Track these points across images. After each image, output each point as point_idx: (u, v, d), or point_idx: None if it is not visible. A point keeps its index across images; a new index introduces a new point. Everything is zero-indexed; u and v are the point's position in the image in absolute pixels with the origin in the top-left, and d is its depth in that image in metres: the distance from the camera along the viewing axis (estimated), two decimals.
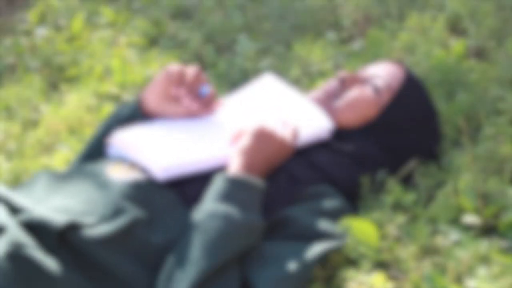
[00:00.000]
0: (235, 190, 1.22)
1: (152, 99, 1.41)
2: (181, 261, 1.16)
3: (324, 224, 1.26)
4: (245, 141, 1.29)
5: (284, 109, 1.41)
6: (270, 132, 1.30)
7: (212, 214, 1.19)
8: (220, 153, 1.32)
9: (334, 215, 1.30)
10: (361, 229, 1.26)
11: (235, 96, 1.48)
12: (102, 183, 1.28)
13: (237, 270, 1.19)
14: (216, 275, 1.16)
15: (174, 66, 1.39)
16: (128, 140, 1.35)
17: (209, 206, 1.21)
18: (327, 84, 1.47)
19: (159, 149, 1.32)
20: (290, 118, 1.38)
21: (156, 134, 1.36)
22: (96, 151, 1.45)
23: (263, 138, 1.29)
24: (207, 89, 1.41)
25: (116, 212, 1.22)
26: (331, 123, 1.35)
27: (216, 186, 1.23)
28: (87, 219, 1.21)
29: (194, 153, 1.32)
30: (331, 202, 1.31)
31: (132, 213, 1.22)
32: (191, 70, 1.40)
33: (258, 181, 1.25)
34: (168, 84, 1.38)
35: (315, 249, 1.21)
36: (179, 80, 1.39)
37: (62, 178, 1.32)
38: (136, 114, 1.42)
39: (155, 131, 1.37)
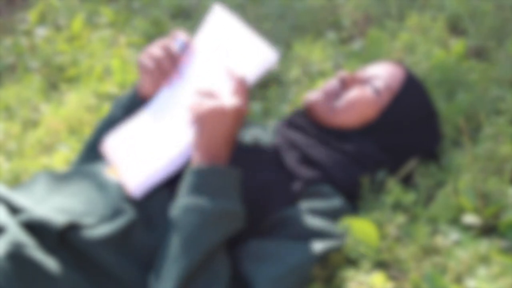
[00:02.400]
0: (202, 181, 1.20)
1: (146, 82, 1.41)
2: (164, 261, 1.17)
3: (324, 224, 1.26)
4: (196, 130, 1.24)
5: (230, 50, 1.34)
6: (218, 110, 1.22)
7: (185, 208, 1.19)
8: (185, 146, 1.29)
9: (334, 215, 1.30)
10: (361, 229, 1.27)
11: (198, 40, 1.43)
12: (101, 184, 1.28)
13: (225, 260, 1.19)
14: (203, 267, 1.15)
15: (154, 47, 1.40)
16: (109, 153, 1.36)
17: (181, 202, 1.20)
18: (327, 84, 1.47)
19: (131, 166, 1.30)
20: (236, 60, 1.31)
21: (130, 141, 1.36)
22: (95, 149, 1.45)
23: (212, 120, 1.22)
24: (181, 40, 1.40)
25: (115, 213, 1.23)
26: (276, 52, 1.28)
27: (185, 181, 1.22)
28: (86, 220, 1.21)
29: (163, 158, 1.29)
30: (331, 202, 1.31)
31: (131, 214, 1.22)
32: (166, 42, 1.39)
33: (222, 167, 1.22)
34: (155, 63, 1.38)
35: (315, 248, 1.21)
36: (163, 57, 1.38)
37: (61, 178, 1.32)
38: (135, 99, 1.44)
39: (130, 134, 1.37)
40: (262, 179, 1.31)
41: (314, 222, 1.26)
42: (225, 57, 1.32)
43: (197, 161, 1.22)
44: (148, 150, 1.31)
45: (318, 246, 1.22)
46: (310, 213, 1.28)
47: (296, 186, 1.33)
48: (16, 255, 1.14)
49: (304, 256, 1.20)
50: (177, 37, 1.40)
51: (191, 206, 1.18)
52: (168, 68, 1.37)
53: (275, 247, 1.23)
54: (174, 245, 1.16)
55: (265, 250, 1.22)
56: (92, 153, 1.46)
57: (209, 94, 1.25)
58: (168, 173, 1.28)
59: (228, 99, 1.23)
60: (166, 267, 1.15)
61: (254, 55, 1.29)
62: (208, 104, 1.22)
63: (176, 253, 1.15)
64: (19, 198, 1.25)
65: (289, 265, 1.18)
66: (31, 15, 2.71)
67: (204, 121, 1.22)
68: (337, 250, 1.26)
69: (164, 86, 1.39)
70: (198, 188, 1.19)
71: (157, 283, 1.15)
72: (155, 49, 1.38)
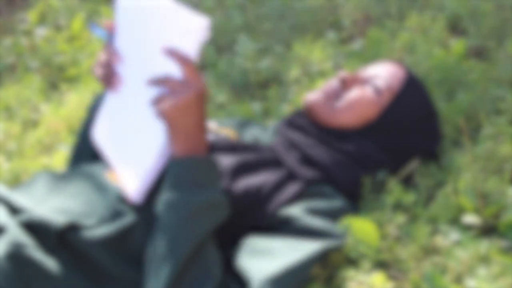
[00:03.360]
0: (181, 174, 1.18)
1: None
2: (153, 259, 1.16)
3: (324, 224, 1.26)
4: (165, 125, 1.21)
5: (159, 29, 1.25)
6: (178, 101, 1.18)
7: (167, 204, 1.17)
8: (163, 141, 1.24)
9: (335, 215, 1.30)
10: (361, 229, 1.27)
11: (120, 29, 1.35)
12: (100, 185, 1.28)
13: (215, 253, 1.18)
14: (193, 261, 1.14)
15: (101, 53, 1.35)
16: (102, 149, 1.34)
17: (163, 197, 1.18)
18: (327, 84, 1.47)
19: (123, 168, 1.28)
20: (170, 37, 1.21)
21: (113, 138, 1.33)
22: (85, 147, 1.45)
23: (176, 112, 1.18)
24: (97, 28, 1.37)
25: (115, 215, 1.23)
26: (205, 17, 1.18)
27: (166, 176, 1.20)
28: (86, 221, 1.21)
29: (148, 157, 1.25)
30: (332, 202, 1.31)
31: (130, 216, 1.22)
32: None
33: (199, 157, 1.20)
34: (104, 69, 1.33)
35: (315, 248, 1.21)
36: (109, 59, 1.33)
37: (61, 179, 1.32)
38: None
39: (111, 130, 1.34)
40: (262, 179, 1.31)
41: (314, 222, 1.26)
42: (158, 37, 1.23)
43: (174, 155, 1.20)
44: (132, 149, 1.29)
45: (318, 245, 1.22)
46: (310, 212, 1.28)
47: (297, 185, 1.33)
48: (16, 255, 1.14)
49: (304, 255, 1.20)
50: (92, 27, 1.35)
51: (174, 200, 1.17)
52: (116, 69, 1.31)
53: (275, 245, 1.22)
54: (161, 242, 1.15)
55: (264, 247, 1.22)
56: (85, 146, 1.46)
57: (163, 82, 1.19)
58: (157, 171, 1.25)
59: (185, 87, 1.18)
60: (156, 265, 1.14)
61: (186, 27, 1.20)
62: (169, 100, 1.18)
63: (164, 250, 1.14)
64: (19, 198, 1.25)
65: (288, 263, 1.18)
66: (31, 15, 2.71)
67: (170, 117, 1.18)
68: (337, 250, 1.26)
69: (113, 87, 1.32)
70: (178, 182, 1.18)
71: (149, 282, 1.15)
72: (101, 55, 1.34)
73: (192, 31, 1.18)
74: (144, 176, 1.23)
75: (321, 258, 1.23)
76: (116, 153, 1.32)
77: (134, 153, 1.27)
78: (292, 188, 1.32)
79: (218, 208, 1.18)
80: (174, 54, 1.17)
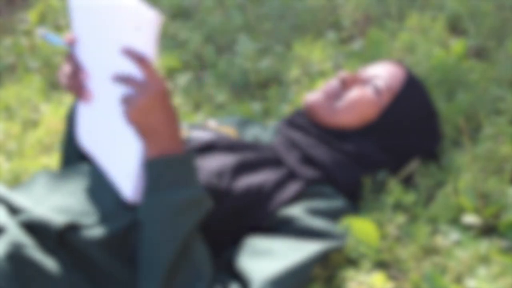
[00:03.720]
0: (158, 175, 1.17)
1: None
2: (142, 263, 1.15)
3: (325, 225, 1.26)
4: (134, 130, 1.18)
5: (112, 28, 1.21)
6: (137, 113, 1.15)
7: (149, 207, 1.16)
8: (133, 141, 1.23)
9: (335, 216, 1.30)
10: (361, 229, 1.27)
11: (75, 30, 1.32)
12: (101, 184, 1.28)
13: (205, 252, 1.17)
14: (182, 260, 1.14)
15: (64, 63, 1.32)
16: (90, 152, 1.33)
17: (143, 201, 1.17)
18: (328, 84, 1.47)
19: (113, 170, 1.27)
20: (123, 36, 1.17)
21: (97, 138, 1.32)
22: (71, 155, 1.45)
23: (138, 122, 1.16)
24: (47, 36, 1.35)
25: (115, 213, 1.22)
26: (156, 13, 1.13)
27: (145, 179, 1.19)
28: (86, 220, 1.21)
29: (132, 157, 1.23)
30: (332, 203, 1.31)
31: (130, 215, 1.22)
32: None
33: (174, 155, 1.18)
34: (68, 79, 1.30)
35: (315, 248, 1.21)
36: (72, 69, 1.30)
37: (61, 178, 1.32)
38: None
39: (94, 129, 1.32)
40: (262, 177, 1.31)
41: (315, 222, 1.26)
42: (114, 37, 1.19)
43: (148, 157, 1.18)
44: (115, 152, 1.27)
45: (318, 246, 1.22)
46: (311, 213, 1.28)
47: (297, 184, 1.32)
48: (16, 255, 1.14)
49: (304, 256, 1.20)
50: (44, 36, 1.31)
51: (153, 203, 1.16)
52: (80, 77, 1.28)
53: (275, 245, 1.22)
54: (147, 246, 1.15)
55: (264, 247, 1.22)
56: (71, 153, 1.45)
57: (126, 83, 1.16)
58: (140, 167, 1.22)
59: (145, 88, 1.15)
60: (145, 269, 1.14)
61: (137, 23, 1.15)
62: (131, 103, 1.15)
63: (151, 253, 1.14)
64: (19, 198, 1.25)
65: (288, 264, 1.18)
66: (31, 15, 2.71)
67: (134, 120, 1.16)
68: (337, 250, 1.26)
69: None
70: (155, 184, 1.17)
71: (141, 285, 1.15)
72: (65, 65, 1.31)
73: (143, 27, 1.14)
74: (133, 177, 1.21)
75: (322, 259, 1.23)
76: (103, 157, 1.31)
77: (118, 156, 1.26)
78: (292, 187, 1.32)
79: (199, 204, 1.17)
80: (131, 54, 1.14)
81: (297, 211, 1.28)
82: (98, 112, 1.29)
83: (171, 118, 1.17)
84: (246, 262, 1.20)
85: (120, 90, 1.19)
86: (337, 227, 1.27)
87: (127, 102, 1.16)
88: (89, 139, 1.35)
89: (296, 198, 1.31)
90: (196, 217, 1.16)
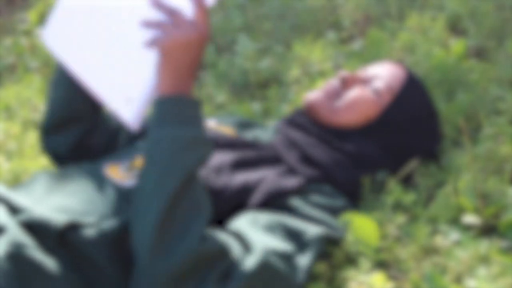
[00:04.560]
0: (170, 110, 1.17)
1: None
2: (141, 196, 1.15)
3: (324, 216, 1.26)
4: (159, 59, 1.19)
5: None
6: (180, 36, 1.17)
7: (155, 140, 1.16)
8: (151, 70, 1.22)
9: (335, 213, 1.30)
10: (361, 229, 1.27)
11: None
12: (100, 183, 1.28)
13: (206, 194, 1.16)
14: (182, 197, 1.13)
15: None
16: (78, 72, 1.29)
17: (151, 135, 1.18)
18: (328, 84, 1.47)
19: (111, 95, 1.24)
20: None
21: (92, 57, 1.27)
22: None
23: (175, 47, 1.18)
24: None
25: (115, 212, 1.22)
26: None
27: (154, 113, 1.20)
28: (86, 218, 1.21)
29: (138, 82, 1.22)
30: (333, 201, 1.31)
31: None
32: None
33: (189, 96, 1.19)
34: None
35: (317, 231, 1.21)
36: None
37: (61, 177, 1.32)
38: None
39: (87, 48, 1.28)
40: (261, 174, 1.31)
41: (314, 212, 1.26)
42: None
43: (162, 91, 1.19)
44: (115, 73, 1.24)
45: (319, 230, 1.22)
46: (311, 204, 1.28)
47: (297, 179, 1.32)
48: (16, 255, 1.14)
49: (307, 234, 1.20)
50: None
51: (161, 136, 1.16)
52: None
53: (275, 224, 1.22)
54: (150, 177, 1.14)
55: (265, 221, 1.21)
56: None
57: (170, 13, 1.18)
58: (147, 99, 1.22)
59: (192, 26, 1.17)
60: (145, 202, 1.13)
61: None
62: (171, 33, 1.17)
63: (153, 185, 1.13)
64: (19, 197, 1.25)
65: (288, 242, 1.18)
66: (31, 15, 2.71)
67: (167, 50, 1.17)
68: (337, 242, 1.26)
69: None
70: (165, 118, 1.17)
71: (137, 220, 1.14)
72: None
73: None
74: (137, 103, 1.21)
75: (322, 246, 1.22)
76: (90, 74, 1.27)
77: (119, 80, 1.24)
78: (292, 180, 1.31)
79: (205, 144, 1.17)
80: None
81: (297, 203, 1.28)
82: (100, 23, 1.26)
83: (196, 65, 1.19)
84: (247, 227, 1.19)
85: (152, 15, 1.18)
86: (337, 221, 1.27)
87: (168, 30, 1.17)
88: (64, 45, 1.30)
89: (296, 191, 1.30)
90: (200, 155, 1.16)
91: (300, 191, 1.31)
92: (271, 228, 1.21)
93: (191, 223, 1.12)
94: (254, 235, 1.18)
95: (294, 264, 1.18)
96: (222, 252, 1.12)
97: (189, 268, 1.10)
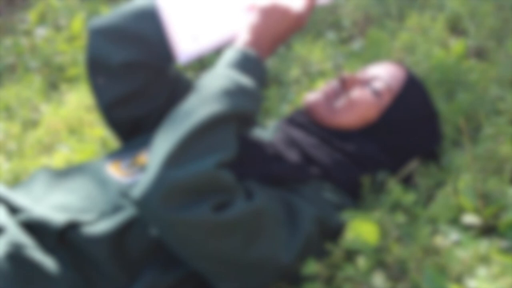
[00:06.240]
0: (244, 61, 1.23)
1: None
2: (177, 114, 1.17)
3: (325, 204, 1.27)
4: (255, 17, 1.28)
5: None
6: (283, 10, 1.28)
7: (217, 74, 1.21)
8: (233, 27, 1.31)
9: (336, 208, 1.30)
10: (361, 228, 1.27)
11: None
12: (101, 181, 1.28)
13: (235, 139, 1.19)
14: (213, 128, 1.15)
15: None
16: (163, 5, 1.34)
17: (214, 70, 1.22)
18: (328, 85, 1.47)
19: (183, 29, 1.30)
20: None
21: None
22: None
23: (274, 15, 1.28)
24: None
25: (115, 209, 1.22)
26: None
27: (225, 56, 1.25)
28: (86, 216, 1.21)
29: (212, 32, 1.30)
30: (334, 196, 1.32)
31: (130, 210, 1.22)
32: None
33: (264, 60, 1.26)
34: None
35: (313, 210, 1.25)
36: None
37: (61, 175, 1.32)
38: None
39: None
40: (261, 172, 1.31)
41: (318, 199, 1.27)
42: None
43: (243, 44, 1.26)
44: (203, 16, 1.31)
45: (316, 210, 1.25)
46: (313, 195, 1.29)
47: (298, 173, 1.33)
48: (16, 255, 1.14)
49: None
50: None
51: (224, 73, 1.21)
52: None
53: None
54: (193, 99, 1.18)
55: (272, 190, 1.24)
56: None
57: None
58: (212, 48, 1.30)
59: (297, 3, 1.28)
60: (179, 118, 1.16)
61: None
62: (279, 1, 1.27)
63: (193, 106, 1.16)
64: (18, 197, 1.25)
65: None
66: (31, 15, 2.71)
67: (266, 13, 1.27)
68: (333, 234, 1.27)
69: None
70: (236, 64, 1.22)
71: (167, 131, 1.15)
72: None
73: None
74: (201, 45, 1.27)
75: (315, 227, 1.24)
76: (172, 8, 1.32)
77: (200, 16, 1.30)
78: (294, 157, 1.34)
79: (255, 100, 1.22)
80: None
81: (304, 189, 1.29)
82: None
83: (281, 41, 1.28)
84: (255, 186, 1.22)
85: None
86: (337, 213, 1.28)
87: (279, 3, 1.27)
88: None
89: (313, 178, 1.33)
90: (246, 106, 1.19)
91: (308, 182, 1.32)
92: (273, 197, 1.23)
93: (215, 151, 1.14)
94: (259, 191, 1.20)
95: (285, 232, 1.20)
96: (230, 186, 1.14)
97: (196, 186, 1.11)
